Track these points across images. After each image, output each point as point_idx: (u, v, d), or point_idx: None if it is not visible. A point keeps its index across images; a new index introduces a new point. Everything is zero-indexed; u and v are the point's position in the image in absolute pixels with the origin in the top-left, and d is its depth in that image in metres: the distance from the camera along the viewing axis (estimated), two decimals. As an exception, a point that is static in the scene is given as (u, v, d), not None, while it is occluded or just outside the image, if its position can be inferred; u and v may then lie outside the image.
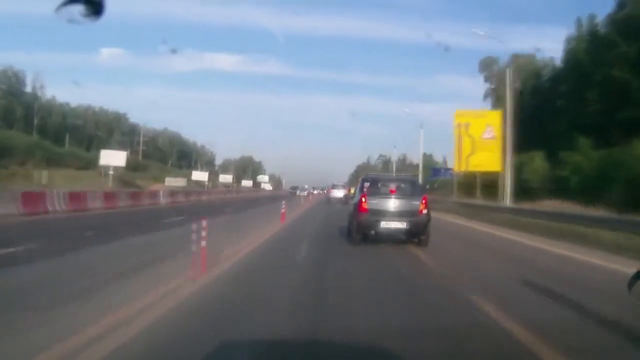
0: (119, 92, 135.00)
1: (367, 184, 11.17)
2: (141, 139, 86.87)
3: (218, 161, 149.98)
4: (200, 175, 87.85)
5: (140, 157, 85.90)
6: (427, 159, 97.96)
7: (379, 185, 11.19)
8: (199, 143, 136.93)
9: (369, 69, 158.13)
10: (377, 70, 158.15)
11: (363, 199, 10.73)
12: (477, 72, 50.82)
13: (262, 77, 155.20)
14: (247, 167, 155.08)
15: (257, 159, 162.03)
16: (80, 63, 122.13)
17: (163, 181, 67.84)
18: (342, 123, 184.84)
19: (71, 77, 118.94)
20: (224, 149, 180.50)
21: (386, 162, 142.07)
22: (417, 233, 10.73)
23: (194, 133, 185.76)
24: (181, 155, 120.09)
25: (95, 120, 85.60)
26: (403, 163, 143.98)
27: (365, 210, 10.64)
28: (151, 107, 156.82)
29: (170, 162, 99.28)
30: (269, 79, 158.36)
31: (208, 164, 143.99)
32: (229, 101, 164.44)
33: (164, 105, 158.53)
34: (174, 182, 66.29)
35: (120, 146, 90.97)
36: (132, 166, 71.00)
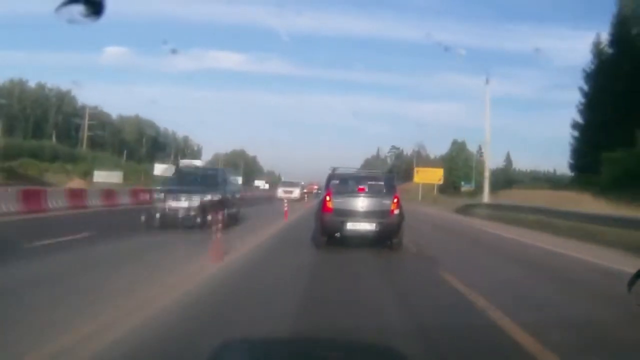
0: (120, 91, 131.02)
1: (333, 181, 10.03)
2: (86, 123, 66.61)
3: (208, 156, 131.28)
4: (164, 170, 67.87)
5: (84, 145, 65.81)
6: (460, 147, 77.79)
7: (347, 182, 10.10)
8: (181, 134, 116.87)
9: (372, 68, 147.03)
10: (380, 69, 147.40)
11: (327, 198, 9.63)
12: None
13: (265, 75, 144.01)
14: (238, 162, 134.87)
15: (250, 153, 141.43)
16: (82, 62, 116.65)
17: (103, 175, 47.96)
18: (347, 121, 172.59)
19: (73, 76, 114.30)
20: (225, 148, 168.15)
21: (399, 156, 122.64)
22: (388, 235, 9.55)
23: (193, 131, 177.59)
24: (156, 146, 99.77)
25: (20, 98, 65.34)
26: (419, 156, 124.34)
27: (330, 210, 9.49)
28: (153, 105, 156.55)
29: (125, 152, 78.45)
30: (271, 77, 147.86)
31: (192, 157, 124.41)
32: (231, 99, 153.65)
33: (166, 103, 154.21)
34: (104, 177, 46.29)
35: (62, 131, 71.52)
36: (52, 155, 51.04)
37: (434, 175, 54.04)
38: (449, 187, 68.99)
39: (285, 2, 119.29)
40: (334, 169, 10.59)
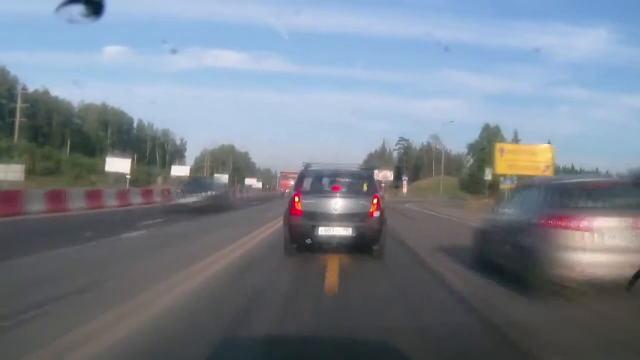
0: (121, 90, 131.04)
1: (304, 179, 8.91)
2: (18, 107, 52.65)
3: (196, 151, 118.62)
4: (118, 165, 54.21)
5: (16, 134, 51.80)
6: (492, 133, 63.09)
7: (320, 180, 9.06)
8: (159, 127, 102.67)
9: (372, 65, 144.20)
10: (381, 66, 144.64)
11: (296, 199, 8.41)
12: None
13: (265, 74, 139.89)
14: (227, 159, 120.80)
15: (241, 149, 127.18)
16: (83, 61, 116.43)
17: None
18: (348, 119, 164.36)
19: (74, 75, 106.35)
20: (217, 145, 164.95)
21: (407, 149, 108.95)
22: (367, 242, 8.32)
23: (190, 129, 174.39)
24: (127, 139, 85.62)
25: None
26: (428, 151, 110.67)
27: (299, 212, 8.29)
28: (153, 104, 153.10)
29: (68, 145, 63.98)
30: (272, 75, 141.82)
31: (174, 153, 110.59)
32: (229, 98, 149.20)
33: (167, 103, 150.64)
34: (2, 172, 32.30)
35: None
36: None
37: (536, 160, 29.95)
38: (478, 183, 55.14)
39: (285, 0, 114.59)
40: (307, 165, 9.31)
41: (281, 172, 56.60)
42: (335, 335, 4.09)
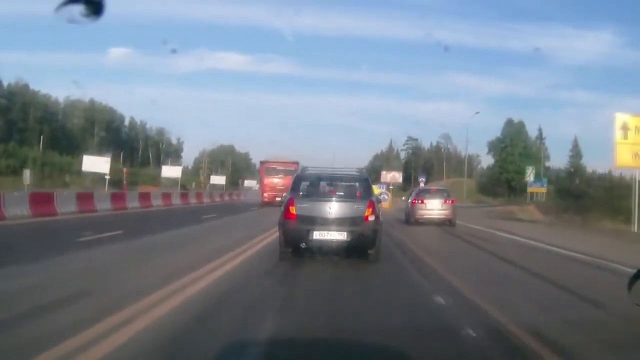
0: (123, 92, 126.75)
1: (299, 183, 9.05)
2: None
3: (195, 152, 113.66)
4: (96, 164, 48.72)
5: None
6: (517, 129, 56.83)
7: (314, 184, 9.22)
8: (154, 126, 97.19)
9: (376, 68, 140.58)
10: (385, 69, 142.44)
11: (291, 202, 8.42)
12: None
13: (268, 76, 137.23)
14: (226, 160, 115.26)
15: (242, 149, 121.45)
16: (85, 63, 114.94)
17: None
18: (353, 121, 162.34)
19: (76, 77, 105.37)
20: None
21: (416, 149, 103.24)
22: (363, 246, 8.36)
23: (193, 132, 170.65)
24: (117, 137, 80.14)
25: None
26: (437, 151, 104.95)
27: (293, 216, 8.28)
28: (153, 105, 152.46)
29: (42, 142, 58.32)
30: (274, 78, 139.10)
31: (170, 153, 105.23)
32: (233, 100, 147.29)
33: (169, 104, 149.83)
34: None
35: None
36: None
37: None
38: (498, 186, 49.30)
39: (287, 2, 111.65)
40: (303, 169, 9.80)
41: (262, 163, 32.99)
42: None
